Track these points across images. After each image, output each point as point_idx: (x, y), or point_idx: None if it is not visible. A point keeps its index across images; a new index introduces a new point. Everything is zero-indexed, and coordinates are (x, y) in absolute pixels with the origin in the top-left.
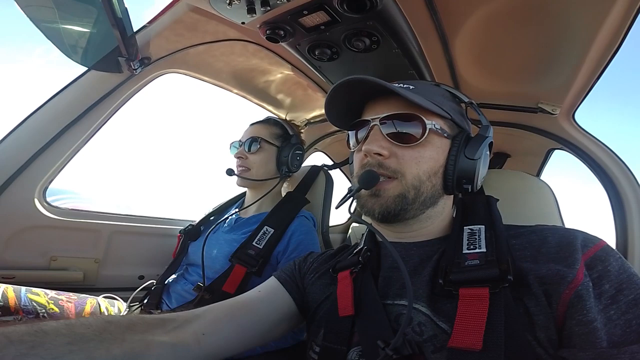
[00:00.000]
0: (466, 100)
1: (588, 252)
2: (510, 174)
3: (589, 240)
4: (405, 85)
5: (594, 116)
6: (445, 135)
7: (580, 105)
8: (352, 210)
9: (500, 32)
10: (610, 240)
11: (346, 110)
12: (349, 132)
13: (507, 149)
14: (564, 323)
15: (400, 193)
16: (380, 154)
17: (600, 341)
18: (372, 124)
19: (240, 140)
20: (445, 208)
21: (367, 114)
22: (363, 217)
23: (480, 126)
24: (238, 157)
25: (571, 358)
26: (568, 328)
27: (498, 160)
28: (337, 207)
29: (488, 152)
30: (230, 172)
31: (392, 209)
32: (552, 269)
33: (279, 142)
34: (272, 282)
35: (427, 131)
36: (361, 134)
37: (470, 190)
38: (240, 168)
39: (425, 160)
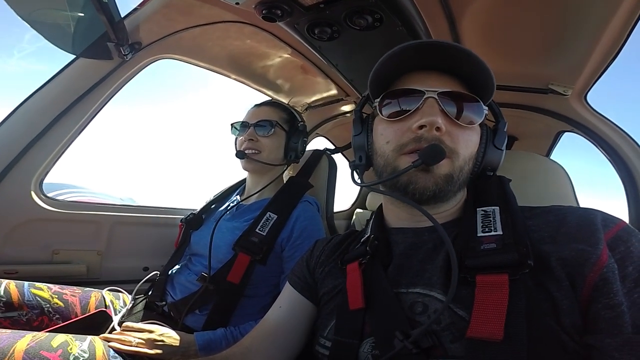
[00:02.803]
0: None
1: (609, 231)
2: (521, 155)
3: (609, 220)
4: None
5: (608, 98)
6: (481, 123)
7: (594, 86)
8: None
9: (509, 10)
10: None
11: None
12: (386, 99)
13: (515, 132)
14: (589, 307)
15: (449, 172)
16: (439, 129)
17: (627, 325)
18: (427, 95)
19: (246, 121)
20: (463, 191)
21: (421, 86)
22: (369, 199)
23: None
24: (249, 139)
25: (598, 345)
26: (594, 312)
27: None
28: (386, 180)
29: None
30: (241, 154)
31: (443, 188)
32: (575, 249)
33: (287, 127)
34: (288, 292)
35: (484, 115)
36: (408, 104)
37: (490, 177)
38: (251, 150)
39: (472, 144)
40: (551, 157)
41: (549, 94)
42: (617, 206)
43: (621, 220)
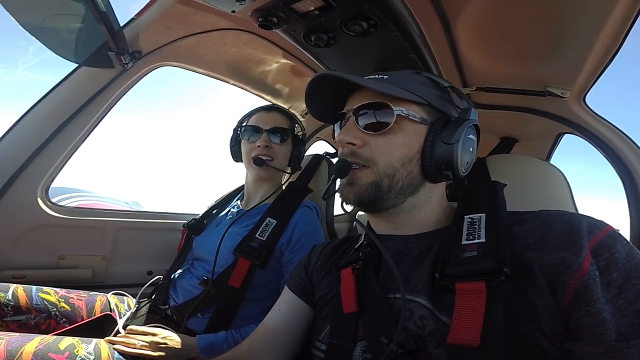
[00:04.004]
0: (446, 84)
1: (594, 238)
2: (518, 158)
3: (594, 226)
4: (379, 76)
5: (607, 99)
6: (419, 120)
7: (592, 88)
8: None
9: (505, 12)
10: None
11: (331, 105)
12: (335, 125)
13: (515, 134)
14: (571, 314)
15: (373, 181)
16: (352, 143)
17: (609, 333)
18: (347, 115)
19: (258, 126)
20: (432, 197)
21: (346, 107)
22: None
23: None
24: (265, 146)
25: (579, 352)
26: (575, 320)
27: (505, 145)
28: (324, 198)
29: (472, 136)
30: (260, 162)
31: (366, 197)
32: (557, 257)
33: (293, 136)
34: (287, 295)
35: (395, 117)
36: (342, 125)
37: (452, 177)
38: (265, 157)
39: (397, 147)
40: (553, 160)
41: (547, 96)
42: (622, 207)
43: (607, 225)
